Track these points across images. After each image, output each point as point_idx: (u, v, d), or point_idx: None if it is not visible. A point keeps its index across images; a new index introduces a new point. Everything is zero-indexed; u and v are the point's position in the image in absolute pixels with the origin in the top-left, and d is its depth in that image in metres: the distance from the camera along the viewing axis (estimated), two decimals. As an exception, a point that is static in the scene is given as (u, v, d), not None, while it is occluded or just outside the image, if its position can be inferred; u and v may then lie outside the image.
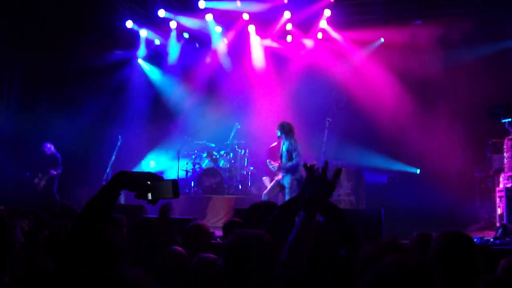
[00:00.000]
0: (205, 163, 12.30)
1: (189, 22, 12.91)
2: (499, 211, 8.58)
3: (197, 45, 13.70)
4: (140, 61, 13.92)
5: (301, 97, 12.10)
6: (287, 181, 8.48)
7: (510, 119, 8.43)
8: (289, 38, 13.09)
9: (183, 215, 8.89)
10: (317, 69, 12.49)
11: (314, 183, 2.46)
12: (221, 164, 12.08)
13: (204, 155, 12.31)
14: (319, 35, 12.77)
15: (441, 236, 2.65)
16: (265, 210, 3.38)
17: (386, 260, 1.56)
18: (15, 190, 11.57)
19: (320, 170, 2.50)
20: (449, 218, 9.46)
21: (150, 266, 3.69)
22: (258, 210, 3.58)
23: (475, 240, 2.80)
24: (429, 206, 9.77)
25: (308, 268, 2.34)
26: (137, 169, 12.58)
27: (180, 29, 13.17)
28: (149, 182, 2.00)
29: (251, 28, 12.90)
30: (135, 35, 13.21)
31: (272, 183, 8.98)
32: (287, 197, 8.20)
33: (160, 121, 13.54)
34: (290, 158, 8.47)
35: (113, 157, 11.19)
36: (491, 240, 7.38)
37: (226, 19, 12.86)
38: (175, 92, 13.83)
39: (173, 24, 12.96)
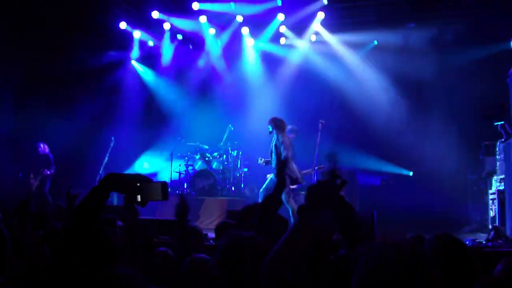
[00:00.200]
0: (198, 165, 12.29)
1: (182, 23, 12.92)
2: (491, 213, 8.62)
3: (191, 47, 13.69)
4: (133, 62, 13.88)
5: (294, 99, 12.09)
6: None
7: (502, 122, 8.46)
8: (282, 41, 13.12)
9: (176, 217, 8.84)
10: (311, 71, 12.53)
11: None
12: (214, 166, 12.07)
13: (197, 156, 12.30)
14: (313, 38, 12.80)
15: (435, 239, 2.65)
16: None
17: (384, 259, 1.55)
18: (14, 191, 11.48)
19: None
20: (442, 220, 9.48)
21: (144, 266, 3.68)
22: (251, 212, 3.58)
23: (467, 242, 2.81)
24: (422, 208, 9.80)
25: (308, 268, 2.34)
26: (130, 170, 12.54)
27: (174, 30, 13.18)
28: (138, 184, 2.00)
29: (245, 30, 12.91)
30: (128, 36, 13.18)
31: (267, 180, 8.99)
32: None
33: (154, 123, 13.52)
34: (278, 153, 8.49)
35: (106, 159, 11.17)
36: (484, 242, 7.41)
37: (220, 21, 12.88)
38: (169, 93, 13.81)
39: (166, 26, 12.96)
